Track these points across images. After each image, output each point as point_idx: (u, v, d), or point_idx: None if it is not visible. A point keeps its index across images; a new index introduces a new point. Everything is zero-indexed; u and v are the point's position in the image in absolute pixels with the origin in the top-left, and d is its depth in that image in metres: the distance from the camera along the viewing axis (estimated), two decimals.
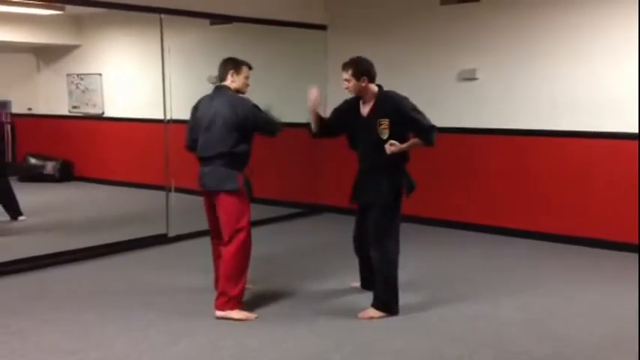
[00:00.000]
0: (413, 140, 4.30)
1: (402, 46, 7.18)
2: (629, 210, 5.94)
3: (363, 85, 4.30)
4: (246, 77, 4.45)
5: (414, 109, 4.29)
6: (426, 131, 4.26)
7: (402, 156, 4.34)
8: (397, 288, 4.39)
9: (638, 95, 5.79)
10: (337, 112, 4.61)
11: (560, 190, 6.35)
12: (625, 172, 5.96)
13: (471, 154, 6.89)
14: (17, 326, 4.22)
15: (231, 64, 4.43)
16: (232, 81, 4.40)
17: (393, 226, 4.37)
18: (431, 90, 6.94)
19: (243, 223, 4.32)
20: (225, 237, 4.33)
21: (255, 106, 4.38)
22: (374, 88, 4.35)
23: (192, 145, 4.50)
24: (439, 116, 6.82)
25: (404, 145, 4.25)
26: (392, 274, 4.36)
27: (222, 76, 4.45)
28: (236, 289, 4.30)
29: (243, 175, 4.37)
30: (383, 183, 4.32)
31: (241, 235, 4.30)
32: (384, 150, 4.23)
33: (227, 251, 4.31)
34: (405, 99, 4.33)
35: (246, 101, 4.39)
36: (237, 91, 4.42)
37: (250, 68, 4.49)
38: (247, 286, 4.50)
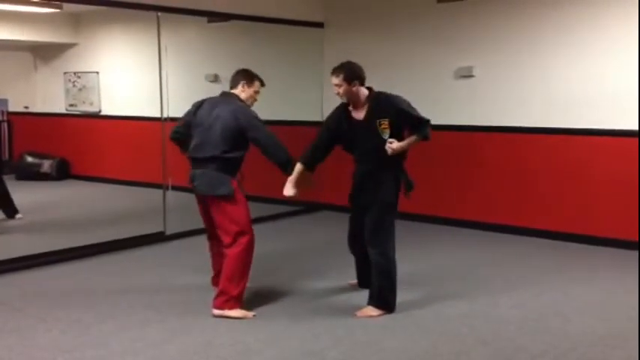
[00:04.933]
0: (411, 137, 4.31)
1: (399, 43, 7.18)
2: (626, 207, 5.95)
3: (354, 89, 4.29)
4: (256, 92, 4.45)
5: (410, 105, 4.33)
6: (424, 125, 4.29)
7: (401, 154, 4.35)
8: (396, 286, 4.39)
9: (638, 92, 5.80)
10: (329, 131, 4.53)
11: (557, 188, 6.36)
12: (622, 169, 5.97)
13: (468, 151, 6.89)
14: (14, 324, 4.22)
15: (245, 76, 4.44)
16: (242, 91, 4.42)
17: (392, 224, 4.38)
18: (428, 87, 6.95)
19: (243, 225, 4.30)
20: (226, 240, 4.31)
21: (256, 117, 4.36)
22: (365, 91, 4.35)
23: (175, 136, 4.59)
24: (436, 114, 6.85)
25: (404, 143, 4.27)
26: (393, 271, 4.37)
27: (233, 84, 4.46)
28: (237, 290, 4.30)
29: (237, 179, 4.35)
30: (385, 182, 4.32)
31: (244, 238, 4.29)
32: (384, 150, 4.23)
33: (231, 253, 4.29)
34: (398, 97, 4.36)
35: (249, 110, 4.39)
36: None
37: (263, 85, 4.50)
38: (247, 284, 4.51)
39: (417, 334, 4.06)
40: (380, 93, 4.37)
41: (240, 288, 4.32)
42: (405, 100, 4.34)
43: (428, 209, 7.09)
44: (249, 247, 4.32)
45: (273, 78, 7.49)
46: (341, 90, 4.29)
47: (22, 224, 7.10)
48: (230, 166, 4.32)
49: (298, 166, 4.40)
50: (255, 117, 4.35)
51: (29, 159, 10.05)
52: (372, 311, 4.35)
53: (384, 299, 4.38)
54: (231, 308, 4.30)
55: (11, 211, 7.21)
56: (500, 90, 6.60)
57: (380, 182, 4.34)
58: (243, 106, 4.38)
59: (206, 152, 4.30)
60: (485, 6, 6.61)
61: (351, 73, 4.27)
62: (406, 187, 4.39)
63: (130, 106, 9.35)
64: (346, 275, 5.07)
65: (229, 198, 4.27)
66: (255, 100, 4.48)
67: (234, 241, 4.28)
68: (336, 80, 4.28)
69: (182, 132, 4.53)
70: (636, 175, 5.86)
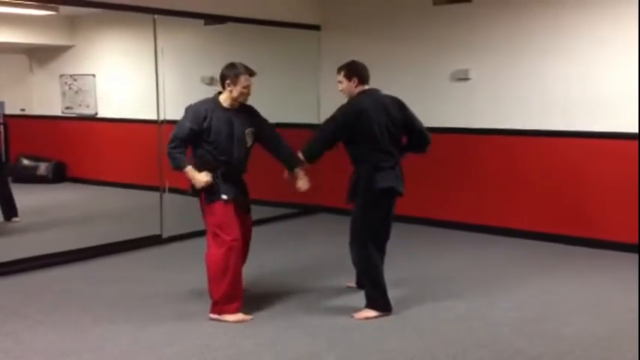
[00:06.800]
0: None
1: (395, 46, 7.19)
2: (623, 209, 5.96)
3: (354, 86, 4.37)
4: (244, 87, 4.25)
5: (332, 116, 4.39)
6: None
7: (364, 155, 4.33)
8: (382, 284, 4.36)
9: (638, 95, 5.80)
10: None
11: (552, 190, 6.37)
12: (618, 171, 5.98)
13: (463, 154, 6.89)
14: (11, 327, 4.21)
15: (229, 73, 4.26)
16: (230, 90, 4.26)
17: (366, 222, 4.35)
18: (424, 90, 6.96)
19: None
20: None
21: (187, 110, 4.29)
22: (355, 90, 4.40)
23: None
24: (432, 116, 6.88)
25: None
26: (372, 271, 4.36)
27: (221, 84, 4.32)
28: (219, 293, 4.26)
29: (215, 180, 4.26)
30: (356, 182, 4.39)
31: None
32: (350, 148, 4.39)
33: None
34: (343, 105, 4.40)
35: (191, 105, 4.32)
36: (234, 100, 4.28)
37: (251, 75, 4.28)
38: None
39: (414, 336, 4.06)
40: (359, 95, 4.39)
41: (222, 291, 4.25)
42: (338, 110, 4.38)
43: (425, 212, 7.09)
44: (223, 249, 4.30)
45: (270, 80, 7.53)
46: (343, 87, 4.42)
47: (18, 227, 7.08)
48: (199, 167, 4.32)
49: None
50: (186, 109, 4.30)
51: (25, 162, 10.03)
52: (369, 313, 4.36)
53: (370, 297, 4.38)
54: (219, 313, 4.29)
55: (12, 213, 7.19)
56: (497, 93, 6.61)
57: (357, 179, 4.40)
58: (201, 100, 4.35)
59: None
60: (482, 8, 6.62)
61: (351, 71, 4.39)
62: (377, 188, 4.28)
63: (126, 109, 9.34)
64: (344, 277, 5.07)
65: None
66: (246, 93, 4.29)
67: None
68: (338, 77, 4.44)
69: None
70: (634, 178, 5.86)
